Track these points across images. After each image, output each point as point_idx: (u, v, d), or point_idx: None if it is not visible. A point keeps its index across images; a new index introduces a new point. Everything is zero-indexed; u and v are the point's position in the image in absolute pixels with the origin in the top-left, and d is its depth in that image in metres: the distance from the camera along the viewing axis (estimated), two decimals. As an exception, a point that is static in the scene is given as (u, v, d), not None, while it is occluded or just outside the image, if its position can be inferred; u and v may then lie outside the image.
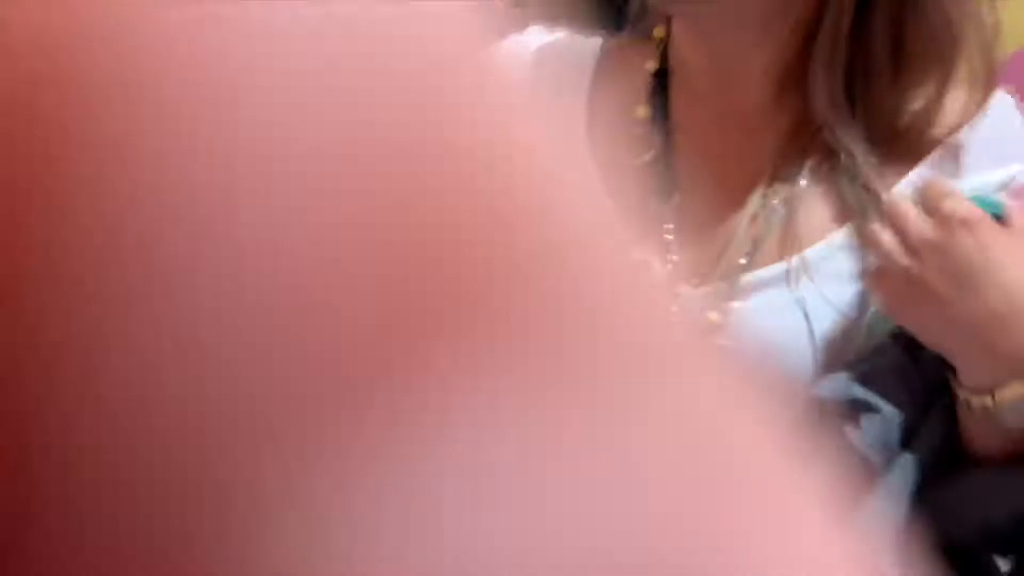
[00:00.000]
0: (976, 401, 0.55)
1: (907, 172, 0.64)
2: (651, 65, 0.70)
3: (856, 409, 0.57)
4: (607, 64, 0.72)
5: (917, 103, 0.63)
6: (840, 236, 0.64)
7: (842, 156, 0.63)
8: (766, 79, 0.67)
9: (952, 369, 0.56)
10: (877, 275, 0.59)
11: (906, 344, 0.58)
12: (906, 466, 0.56)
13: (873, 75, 0.62)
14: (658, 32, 0.71)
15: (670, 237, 0.66)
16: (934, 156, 0.64)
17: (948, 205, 0.56)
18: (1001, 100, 0.64)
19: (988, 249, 0.54)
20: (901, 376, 0.58)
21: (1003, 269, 0.54)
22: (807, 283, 0.62)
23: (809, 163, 0.65)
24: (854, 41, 0.63)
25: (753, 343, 0.62)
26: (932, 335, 0.56)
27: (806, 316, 0.62)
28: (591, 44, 0.74)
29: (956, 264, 0.55)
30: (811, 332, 0.61)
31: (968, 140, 0.64)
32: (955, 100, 0.64)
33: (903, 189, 0.63)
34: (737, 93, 0.68)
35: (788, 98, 0.66)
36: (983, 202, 0.57)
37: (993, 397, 0.54)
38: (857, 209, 0.63)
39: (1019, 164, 0.63)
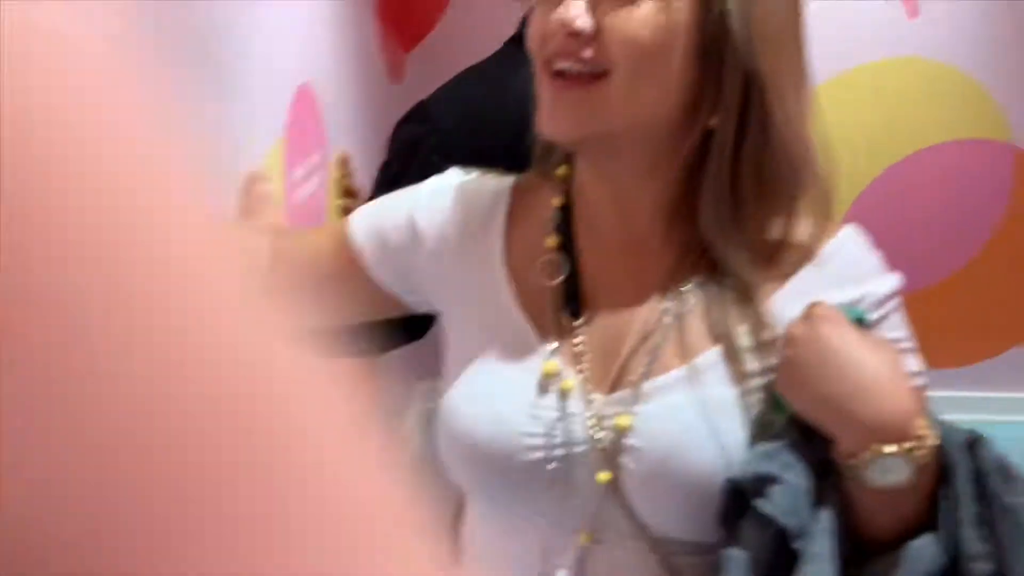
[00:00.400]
0: (847, 464, 0.64)
1: (777, 288, 0.76)
2: (556, 201, 0.82)
3: (764, 484, 0.65)
4: (519, 200, 0.85)
5: (775, 229, 0.76)
6: (716, 350, 0.74)
7: (726, 273, 0.74)
8: (657, 211, 0.78)
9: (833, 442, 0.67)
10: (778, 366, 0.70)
11: (799, 427, 0.68)
12: (826, 526, 0.64)
13: (744, 205, 0.74)
14: (560, 171, 0.83)
15: (581, 349, 0.76)
16: (797, 276, 0.76)
17: (815, 308, 0.69)
18: (849, 230, 0.79)
19: (845, 339, 0.66)
20: (798, 453, 0.67)
21: (858, 354, 0.66)
22: (703, 384, 0.72)
23: (697, 279, 0.75)
24: (730, 178, 0.75)
25: (661, 443, 0.72)
26: (810, 412, 0.67)
27: (706, 414, 0.71)
28: (505, 182, 0.87)
29: (820, 351, 0.66)
30: (713, 428, 0.70)
31: (824, 263, 0.76)
32: (807, 228, 0.78)
33: (776, 300, 0.75)
34: (632, 224, 0.79)
35: (677, 225, 0.78)
36: (848, 310, 0.69)
37: (857, 458, 0.64)
38: (740, 318, 0.73)
39: (869, 284, 0.76)
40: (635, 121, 0.73)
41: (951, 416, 0.69)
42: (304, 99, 1.63)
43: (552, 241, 0.81)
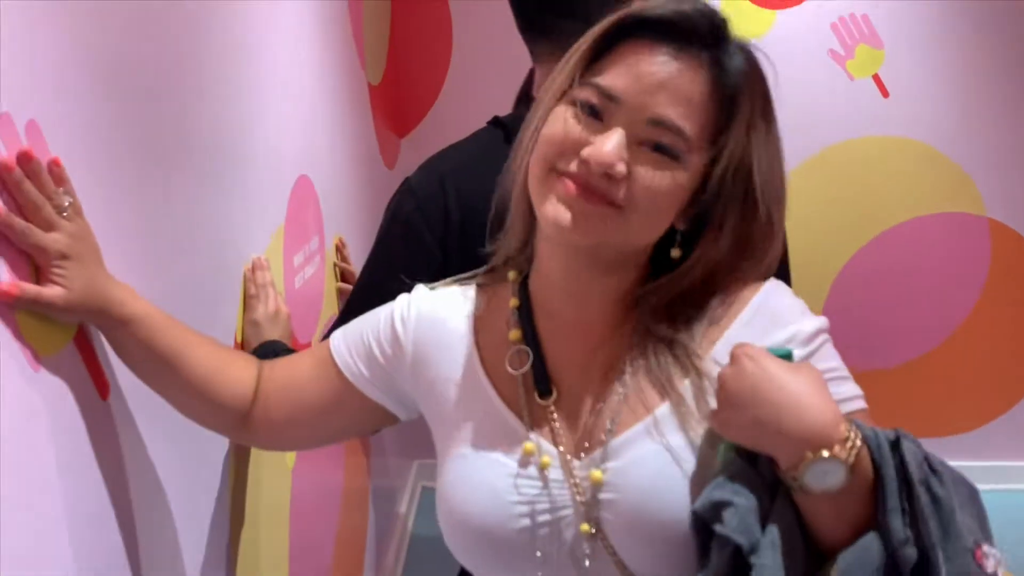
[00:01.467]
0: (789, 478, 0.71)
1: (716, 340, 0.83)
2: (514, 301, 0.90)
3: (719, 509, 0.73)
4: (482, 302, 0.94)
5: (717, 301, 0.85)
6: (666, 404, 0.81)
7: (667, 339, 0.83)
8: (608, 301, 0.86)
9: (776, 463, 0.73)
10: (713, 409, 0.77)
11: (745, 455, 0.75)
12: (773, 540, 0.71)
13: (693, 297, 0.85)
14: (512, 275, 0.92)
15: (557, 424, 0.85)
16: (733, 325, 0.84)
17: (736, 349, 0.76)
18: (771, 283, 0.86)
19: (766, 368, 0.73)
20: (746, 478, 0.74)
21: (779, 377, 0.72)
22: (662, 434, 0.80)
23: (649, 347, 0.84)
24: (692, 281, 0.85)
25: (634, 492, 0.79)
26: (747, 439, 0.74)
27: (669, 460, 0.79)
28: (468, 288, 0.96)
29: (747, 383, 0.73)
30: (678, 472, 0.78)
31: (753, 315, 0.84)
32: (745, 286, 0.86)
33: (714, 354, 0.83)
34: (586, 312, 0.87)
35: (624, 309, 0.86)
36: (773, 350, 0.76)
37: (796, 469, 0.70)
38: (682, 374, 0.82)
39: (795, 325, 0.82)
40: (635, 246, 0.84)
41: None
42: (303, 188, 1.70)
43: (515, 334, 0.89)
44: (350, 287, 1.99)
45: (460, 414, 0.89)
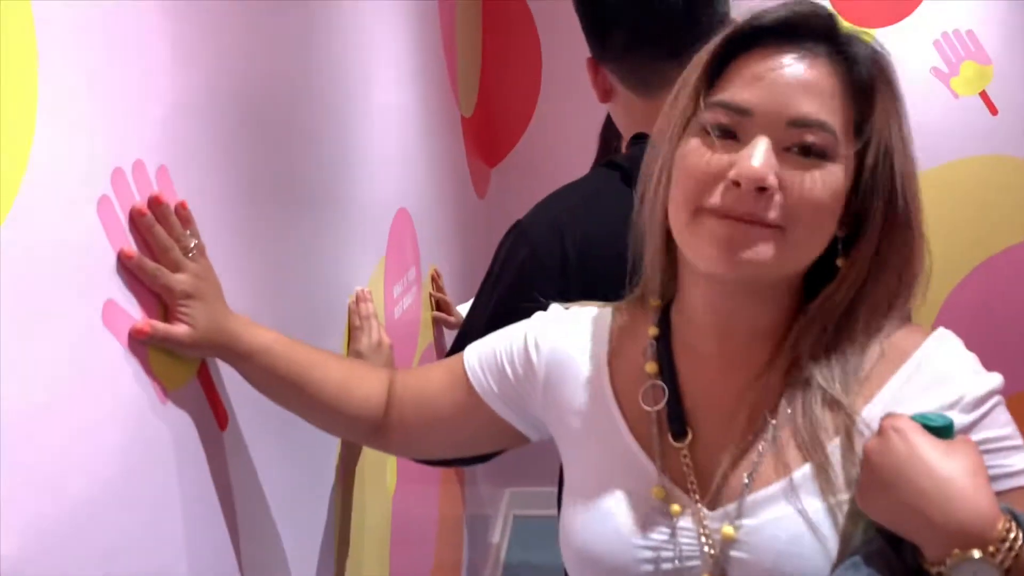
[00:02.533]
0: (935, 572, 0.65)
1: (870, 398, 0.76)
2: (653, 331, 0.85)
3: None
4: (618, 327, 0.89)
5: (874, 347, 0.78)
6: (809, 465, 0.75)
7: (821, 389, 0.77)
8: (756, 334, 0.80)
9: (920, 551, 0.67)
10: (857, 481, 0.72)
11: (888, 536, 0.69)
12: None
13: (850, 331, 0.78)
14: (653, 301, 0.87)
15: (687, 467, 0.79)
16: (888, 385, 0.76)
17: (885, 420, 0.70)
18: (940, 333, 0.79)
19: (915, 447, 0.67)
20: (884, 562, 0.68)
21: (930, 461, 0.66)
22: (801, 497, 0.74)
23: (798, 396, 0.77)
24: (845, 307, 0.78)
25: (768, 554, 0.74)
26: (890, 522, 0.68)
27: (808, 526, 0.72)
28: (604, 312, 0.91)
29: (892, 462, 0.67)
30: (815, 539, 0.72)
31: (916, 369, 0.76)
32: (898, 334, 0.79)
33: (869, 410, 0.75)
34: (731, 346, 0.81)
35: (771, 344, 0.80)
36: (926, 418, 0.69)
37: (943, 565, 0.64)
38: (832, 432, 0.75)
39: (963, 387, 0.74)
40: (798, 268, 0.77)
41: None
42: (402, 220, 1.74)
43: (652, 368, 0.84)
44: (445, 316, 2.02)
45: (590, 445, 0.86)
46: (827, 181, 0.73)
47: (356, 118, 1.47)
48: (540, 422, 0.93)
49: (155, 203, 0.79)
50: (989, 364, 0.79)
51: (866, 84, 0.75)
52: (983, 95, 2.85)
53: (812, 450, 0.75)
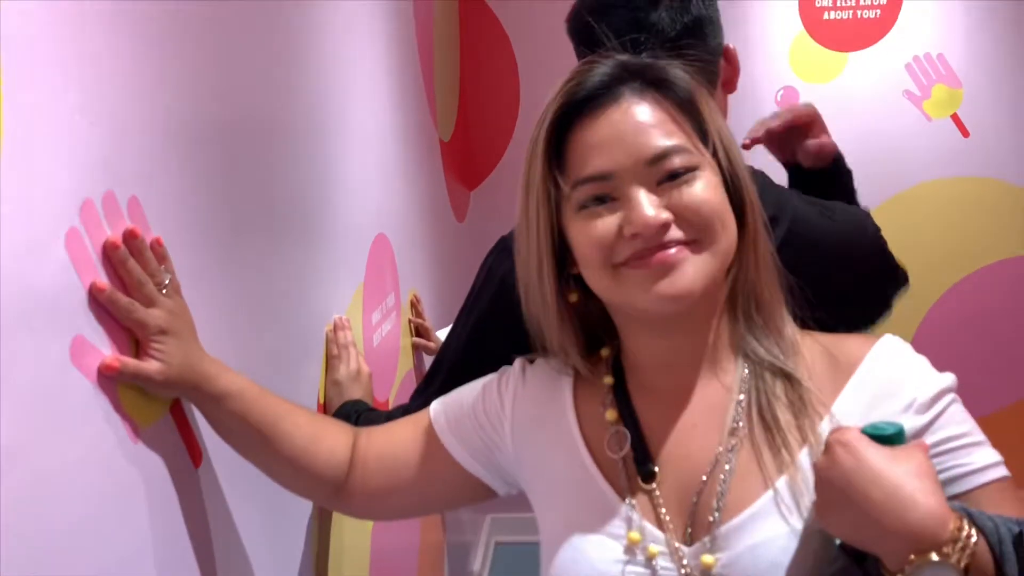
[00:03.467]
0: None
1: (824, 413, 0.78)
2: (608, 379, 0.87)
3: None
4: (578, 377, 0.90)
5: (814, 348, 0.82)
6: (783, 481, 0.76)
7: (770, 366, 0.80)
8: (701, 359, 0.83)
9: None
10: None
11: (851, 551, 0.69)
12: None
13: (765, 305, 0.83)
14: (604, 352, 0.89)
15: (664, 510, 0.80)
16: (846, 389, 0.79)
17: (831, 436, 0.71)
18: (886, 339, 0.81)
19: (861, 459, 0.67)
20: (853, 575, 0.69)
21: (876, 470, 0.66)
22: (780, 516, 0.74)
23: (759, 409, 0.79)
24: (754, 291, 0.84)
25: None
26: (848, 535, 0.69)
27: (784, 549, 0.73)
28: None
29: (841, 476, 0.68)
30: (792, 559, 0.73)
31: (866, 377, 0.79)
32: (853, 339, 0.82)
33: (825, 425, 0.77)
34: (682, 377, 0.83)
35: (717, 367, 0.83)
36: (876, 428, 0.70)
37: (903, 572, 0.64)
38: (799, 437, 0.77)
39: (915, 389, 0.77)
40: (723, 269, 0.80)
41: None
42: (381, 246, 1.73)
43: (612, 415, 0.85)
44: (424, 342, 2.00)
45: (564, 493, 0.85)
46: (707, 185, 0.78)
47: (334, 144, 1.45)
48: (509, 474, 0.93)
49: (130, 237, 0.77)
50: (966, 381, 0.79)
51: (687, 98, 0.81)
52: (955, 117, 2.89)
53: (776, 475, 0.76)
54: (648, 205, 0.76)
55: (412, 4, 2.17)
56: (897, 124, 2.87)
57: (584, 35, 1.17)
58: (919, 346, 0.81)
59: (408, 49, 2.12)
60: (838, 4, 2.84)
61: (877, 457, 0.67)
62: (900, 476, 0.66)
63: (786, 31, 2.86)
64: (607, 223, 0.78)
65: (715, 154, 0.80)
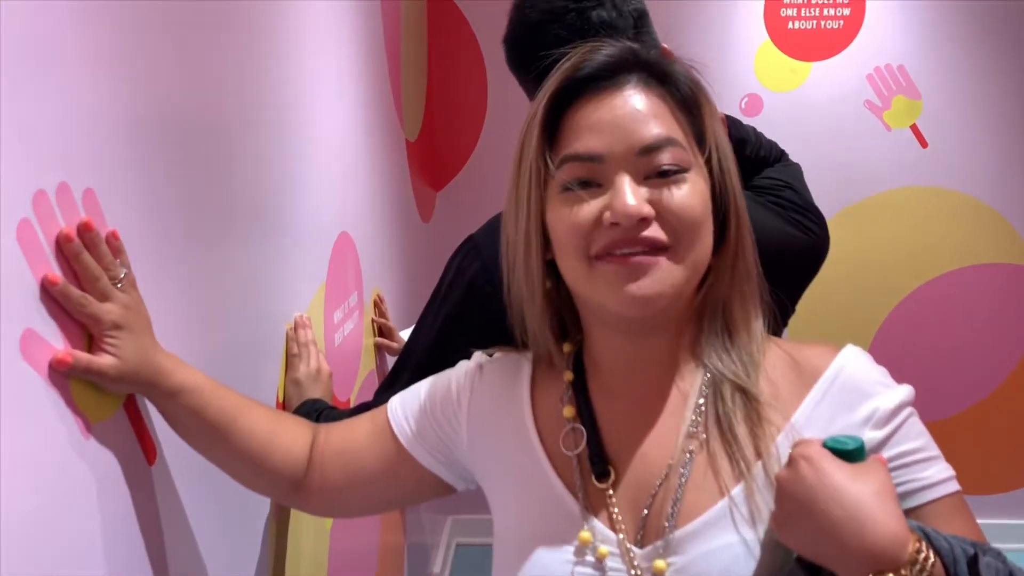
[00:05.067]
0: None
1: (785, 420, 0.78)
2: (568, 375, 0.86)
3: None
4: (537, 373, 0.89)
5: (774, 351, 0.82)
6: (739, 490, 0.76)
7: (729, 381, 0.79)
8: (664, 362, 0.82)
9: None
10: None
11: (807, 564, 0.69)
12: None
13: (734, 320, 0.82)
14: (566, 347, 0.88)
15: (616, 510, 0.79)
16: (807, 400, 0.78)
17: (794, 450, 0.70)
18: (848, 349, 0.81)
19: (823, 474, 0.67)
20: None
21: (838, 487, 0.66)
22: (733, 525, 0.74)
23: (716, 417, 0.78)
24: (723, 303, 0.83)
25: None
26: (806, 550, 0.69)
27: (737, 557, 0.73)
28: (524, 356, 0.91)
29: (802, 491, 0.67)
30: (745, 568, 0.72)
31: (828, 388, 0.78)
32: (816, 348, 0.82)
33: (786, 433, 0.77)
34: (643, 379, 0.82)
35: (679, 371, 0.82)
36: (837, 441, 0.70)
37: None
38: (753, 448, 0.76)
39: (875, 400, 0.76)
40: (697, 278, 0.79)
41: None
42: (344, 245, 1.72)
43: (569, 412, 0.84)
44: (387, 342, 1.99)
45: (517, 491, 0.85)
46: (694, 190, 0.76)
47: (298, 141, 1.44)
48: (466, 471, 0.92)
49: (85, 229, 0.75)
50: (921, 387, 0.79)
51: (690, 97, 0.80)
52: (914, 128, 2.94)
53: (732, 482, 0.75)
54: (632, 195, 0.74)
55: (380, 3, 2.16)
56: (858, 133, 2.92)
57: (528, 56, 1.16)
58: (876, 351, 0.82)
59: (375, 48, 2.11)
60: (802, 14, 2.89)
61: (839, 474, 0.67)
62: (862, 495, 0.66)
63: (751, 40, 2.89)
64: (588, 209, 0.76)
65: (708, 160, 0.79)
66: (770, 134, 1.45)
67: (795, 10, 2.88)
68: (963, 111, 2.92)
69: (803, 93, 2.90)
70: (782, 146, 1.45)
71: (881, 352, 0.83)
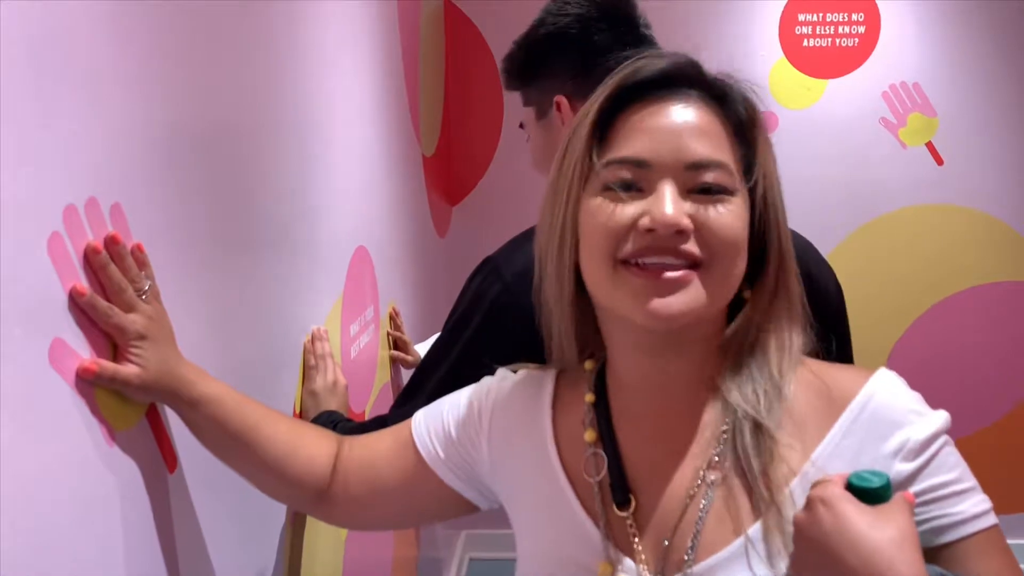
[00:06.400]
0: None
1: (815, 445, 0.75)
2: (589, 397, 0.84)
3: None
4: (560, 392, 0.88)
5: (804, 376, 0.79)
6: (756, 528, 0.74)
7: (750, 419, 0.76)
8: (689, 385, 0.79)
9: None
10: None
11: None
12: None
13: (767, 356, 0.79)
14: (588, 365, 0.86)
15: (637, 540, 0.77)
16: (833, 429, 0.76)
17: (814, 491, 0.68)
18: (881, 374, 0.78)
19: (841, 520, 0.65)
20: None
21: (856, 532, 0.65)
22: (750, 563, 0.72)
23: (735, 450, 0.76)
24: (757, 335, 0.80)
25: None
26: None
27: None
28: (548, 374, 0.90)
29: (818, 534, 0.66)
30: None
31: (859, 414, 0.76)
32: (848, 373, 0.79)
33: (816, 459, 0.75)
34: (667, 403, 0.80)
35: (704, 396, 0.79)
36: (861, 478, 0.68)
37: None
38: (779, 479, 0.74)
39: (907, 430, 0.74)
40: (723, 303, 0.77)
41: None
42: (361, 258, 1.74)
43: (591, 436, 0.82)
44: (402, 355, 2.01)
45: (539, 514, 0.84)
46: (734, 213, 0.75)
47: (317, 156, 1.47)
48: (489, 490, 0.91)
49: (111, 242, 0.78)
50: (938, 406, 0.76)
51: (745, 122, 0.79)
52: (929, 146, 2.94)
53: (751, 504, 0.74)
54: (673, 204, 0.73)
55: (398, 20, 2.19)
56: (873, 151, 2.92)
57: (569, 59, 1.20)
58: (892, 369, 0.79)
59: (393, 64, 2.14)
60: (818, 32, 2.90)
61: (858, 520, 0.65)
62: (879, 542, 0.64)
63: (767, 57, 2.91)
64: (624, 211, 0.74)
65: (752, 189, 0.77)
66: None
67: (810, 28, 2.90)
68: (979, 128, 2.92)
69: (818, 110, 2.91)
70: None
71: (896, 370, 0.81)
